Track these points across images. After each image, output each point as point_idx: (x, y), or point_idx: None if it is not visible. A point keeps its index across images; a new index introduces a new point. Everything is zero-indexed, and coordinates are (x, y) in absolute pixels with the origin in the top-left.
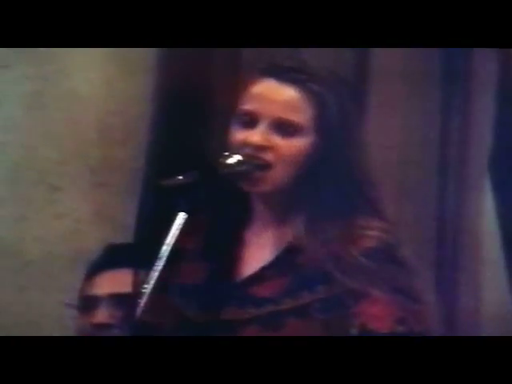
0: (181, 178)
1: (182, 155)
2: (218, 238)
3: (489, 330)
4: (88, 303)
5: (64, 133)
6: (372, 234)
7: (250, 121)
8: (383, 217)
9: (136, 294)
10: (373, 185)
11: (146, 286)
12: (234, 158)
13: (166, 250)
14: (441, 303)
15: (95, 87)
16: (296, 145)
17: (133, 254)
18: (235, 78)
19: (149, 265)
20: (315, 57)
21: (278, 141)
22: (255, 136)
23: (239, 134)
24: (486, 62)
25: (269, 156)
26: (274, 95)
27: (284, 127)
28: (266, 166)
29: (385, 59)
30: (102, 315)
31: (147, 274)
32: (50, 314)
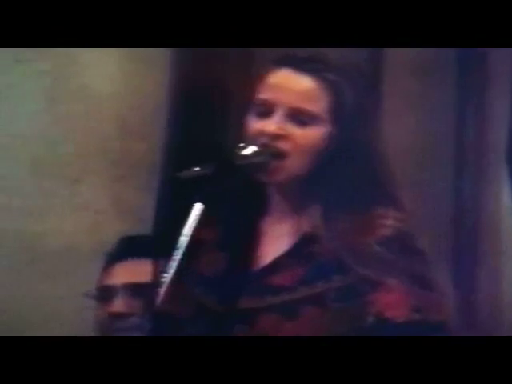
0: (197, 169)
1: (199, 148)
2: (235, 228)
3: (508, 322)
4: (105, 293)
5: (84, 127)
6: (388, 223)
7: (266, 110)
8: (400, 206)
9: (155, 283)
10: (389, 174)
11: (165, 275)
12: (250, 149)
13: (183, 240)
14: (458, 294)
15: (113, 83)
16: (312, 134)
17: (150, 244)
18: (250, 70)
19: (167, 255)
20: (330, 51)
21: (293, 130)
22: (271, 125)
23: (255, 124)
24: (501, 59)
25: (284, 145)
26: (289, 84)
27: (300, 116)
28: (282, 155)
29: (399, 55)
30: (118, 304)
31: (166, 264)
32: (70, 305)
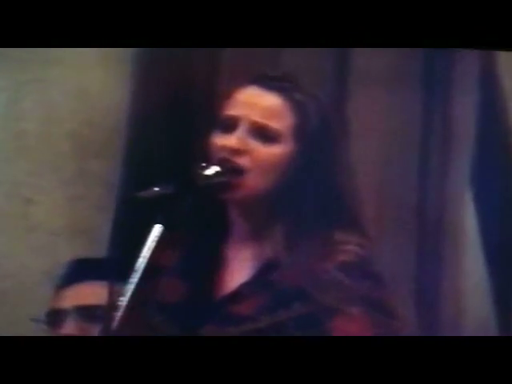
0: (157, 189)
1: (159, 167)
2: (196, 253)
3: (470, 323)
4: (55, 317)
5: (38, 144)
6: (348, 248)
7: (230, 125)
8: (362, 231)
9: (110, 306)
10: (353, 197)
11: (121, 298)
12: (212, 169)
13: (142, 262)
14: (421, 315)
15: (70, 98)
16: (274, 151)
17: (104, 266)
18: (215, 87)
19: (124, 278)
20: (294, 59)
21: (255, 146)
22: (232, 140)
23: (218, 139)
24: (467, 64)
25: (244, 160)
26: (255, 100)
27: (263, 133)
28: (240, 171)
29: (365, 60)
30: (69, 327)
31: (122, 287)
32: (22, 328)
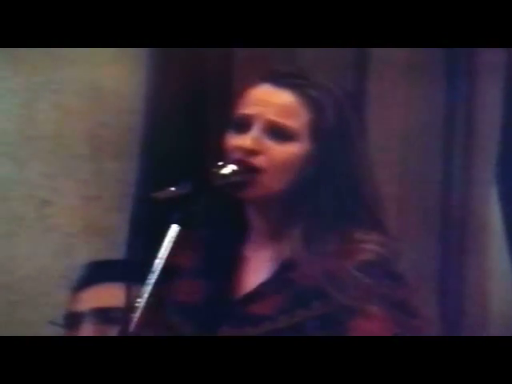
0: (173, 189)
1: (176, 166)
2: (215, 254)
3: (495, 322)
4: (73, 319)
5: (54, 146)
6: (368, 247)
7: (245, 125)
8: (382, 229)
9: (127, 308)
10: (372, 195)
11: (139, 300)
12: (229, 168)
13: (159, 263)
14: (444, 315)
15: (85, 99)
16: (290, 150)
17: (121, 268)
18: (230, 86)
19: (141, 279)
20: (313, 55)
21: (270, 145)
22: (247, 140)
23: (233, 140)
24: (491, 56)
25: (259, 160)
26: (269, 99)
27: (278, 131)
28: (256, 170)
29: (385, 56)
30: (87, 330)
31: (140, 289)
32: (41, 330)
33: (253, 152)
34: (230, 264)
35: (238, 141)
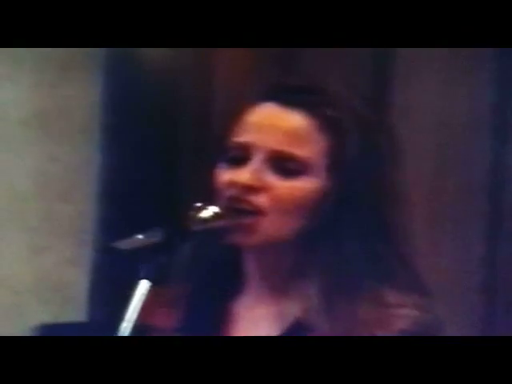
0: (141, 237)
1: (143, 208)
2: (198, 312)
3: None
4: None
5: None
6: (404, 312)
7: (241, 156)
8: (420, 289)
9: None
10: (407, 243)
11: None
12: (210, 211)
13: (126, 327)
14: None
15: (30, 128)
16: (299, 186)
17: (78, 333)
18: (208, 105)
19: None
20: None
21: (274, 180)
22: (244, 174)
23: (226, 174)
24: None
25: (260, 199)
26: (274, 122)
27: (284, 163)
28: (255, 212)
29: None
30: None
31: None
32: None
33: (252, 189)
34: (217, 323)
35: (232, 176)
